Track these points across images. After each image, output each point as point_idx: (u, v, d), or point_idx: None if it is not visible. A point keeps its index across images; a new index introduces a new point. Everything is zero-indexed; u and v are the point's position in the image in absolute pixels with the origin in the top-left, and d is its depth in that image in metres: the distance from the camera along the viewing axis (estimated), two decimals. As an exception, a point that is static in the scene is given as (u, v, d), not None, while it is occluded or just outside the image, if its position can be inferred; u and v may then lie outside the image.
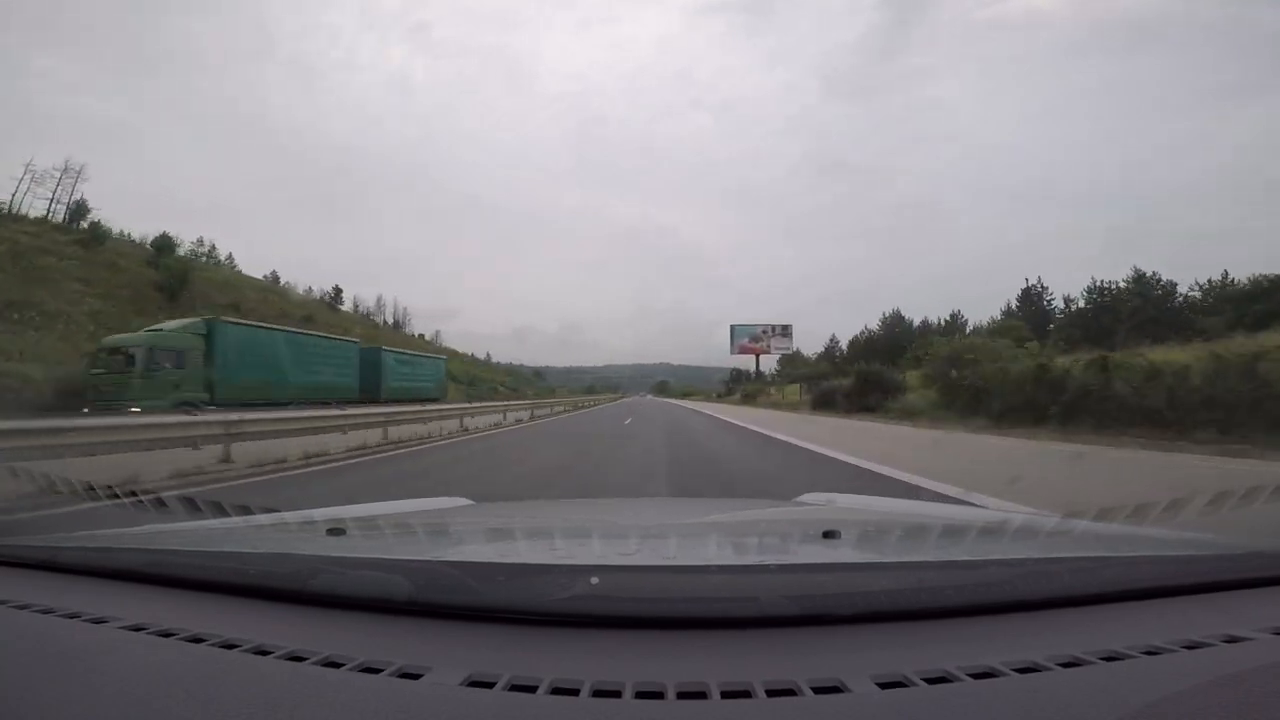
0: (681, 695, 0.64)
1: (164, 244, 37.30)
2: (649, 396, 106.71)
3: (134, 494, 1.82)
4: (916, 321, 62.00)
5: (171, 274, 33.44)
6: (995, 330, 42.79)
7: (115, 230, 37.92)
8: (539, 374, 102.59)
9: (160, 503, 1.70)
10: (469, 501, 2.13)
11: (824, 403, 26.61)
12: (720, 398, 66.12)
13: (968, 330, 51.21)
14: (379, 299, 75.58)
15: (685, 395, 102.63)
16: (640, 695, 0.64)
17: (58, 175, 36.54)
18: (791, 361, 63.09)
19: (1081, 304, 47.88)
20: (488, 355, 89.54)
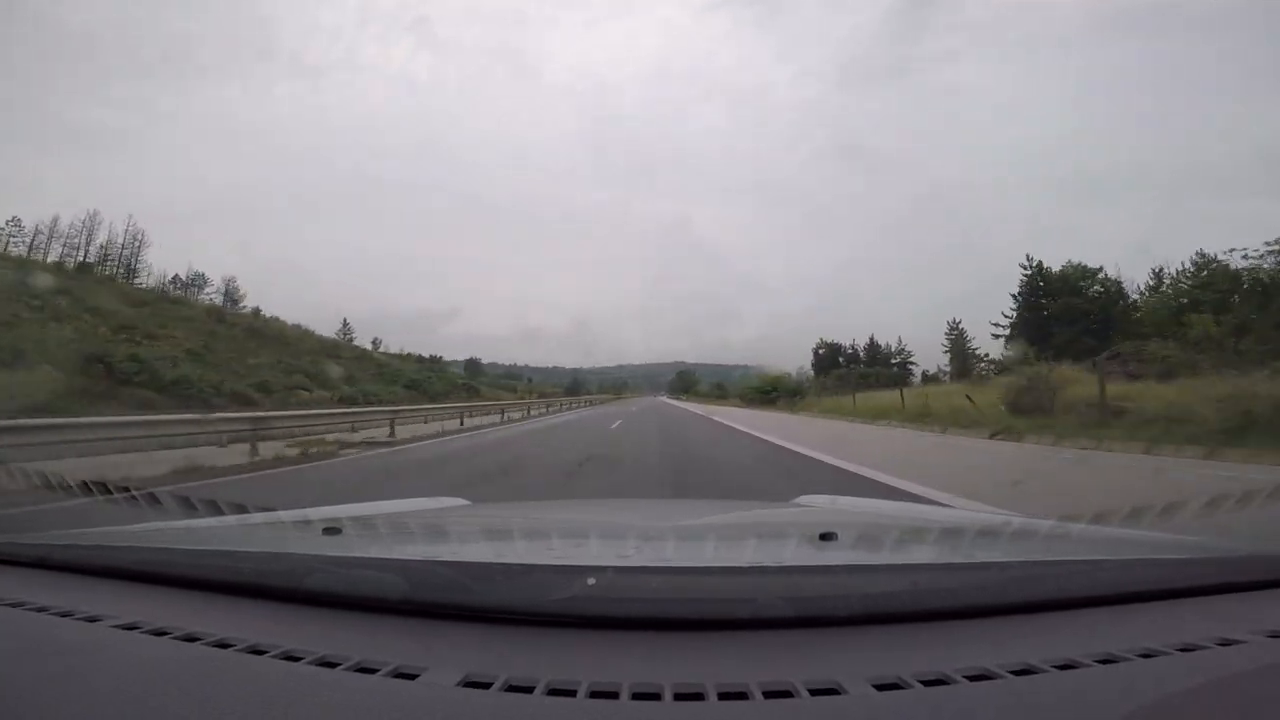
0: (678, 697, 0.64)
1: None
2: (663, 398, 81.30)
3: (126, 489, 1.81)
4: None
5: None
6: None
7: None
8: (473, 366, 79.98)
9: (154, 500, 1.70)
10: (465, 501, 2.12)
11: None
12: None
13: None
14: (91, 214, 45.21)
15: (749, 399, 45.85)
16: (637, 696, 0.64)
17: None
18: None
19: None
20: (427, 354, 64.75)
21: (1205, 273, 28.29)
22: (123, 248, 48.02)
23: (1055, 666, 0.68)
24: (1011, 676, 0.67)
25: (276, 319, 45.16)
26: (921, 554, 1.20)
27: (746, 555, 1.22)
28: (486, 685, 0.65)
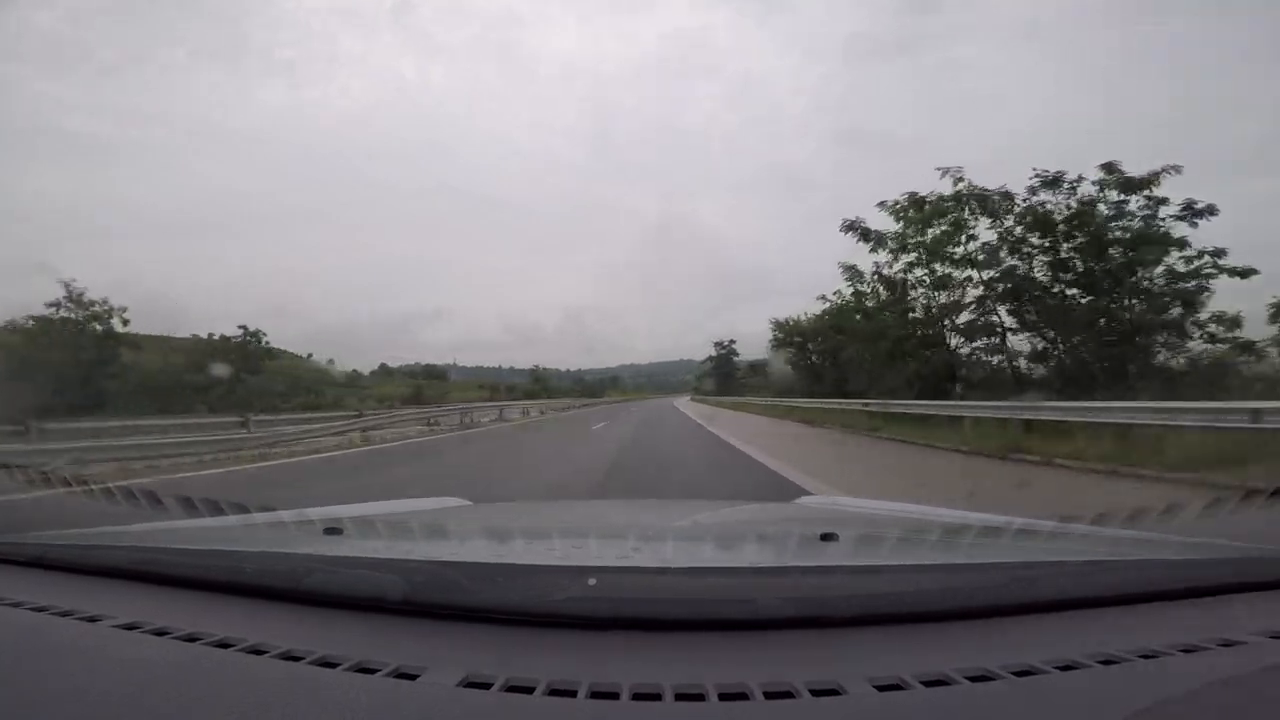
0: (679, 697, 0.64)
1: None
2: (684, 404, 43.65)
3: (88, 482, 1.79)
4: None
5: None
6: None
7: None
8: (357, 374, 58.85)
9: (155, 499, 1.69)
10: (466, 502, 2.13)
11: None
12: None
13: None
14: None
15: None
16: (637, 697, 0.64)
17: None
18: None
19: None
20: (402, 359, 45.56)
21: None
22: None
23: (1056, 667, 0.68)
24: (1012, 677, 0.67)
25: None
26: (922, 554, 1.20)
27: (747, 556, 1.22)
28: (487, 685, 0.65)
